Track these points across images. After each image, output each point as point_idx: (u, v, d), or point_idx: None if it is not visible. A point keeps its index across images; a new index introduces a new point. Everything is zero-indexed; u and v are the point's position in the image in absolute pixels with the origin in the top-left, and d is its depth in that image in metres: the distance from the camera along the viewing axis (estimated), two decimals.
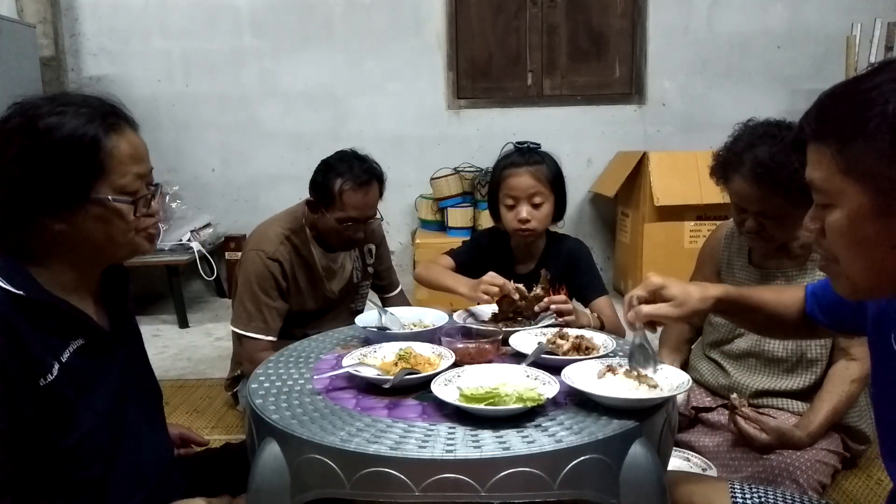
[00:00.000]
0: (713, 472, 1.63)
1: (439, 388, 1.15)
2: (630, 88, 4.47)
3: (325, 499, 1.04)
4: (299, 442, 1.04)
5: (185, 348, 3.54)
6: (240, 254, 2.77)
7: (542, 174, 1.89)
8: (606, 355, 1.35)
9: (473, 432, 1.04)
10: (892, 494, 1.02)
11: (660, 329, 1.24)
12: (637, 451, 1.02)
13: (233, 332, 2.20)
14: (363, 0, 4.32)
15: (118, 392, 1.18)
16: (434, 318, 1.60)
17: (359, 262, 2.39)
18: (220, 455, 1.50)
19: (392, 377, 1.20)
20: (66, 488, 1.10)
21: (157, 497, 1.24)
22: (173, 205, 4.10)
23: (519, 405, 1.07)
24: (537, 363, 1.26)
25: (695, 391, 1.90)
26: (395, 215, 4.42)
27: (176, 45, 4.37)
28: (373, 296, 2.46)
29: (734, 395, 1.61)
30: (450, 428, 1.07)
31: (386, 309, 1.64)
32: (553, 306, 1.62)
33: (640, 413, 1.08)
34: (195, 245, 3.98)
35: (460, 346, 1.36)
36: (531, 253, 2.00)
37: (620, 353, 1.37)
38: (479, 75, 4.48)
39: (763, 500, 1.16)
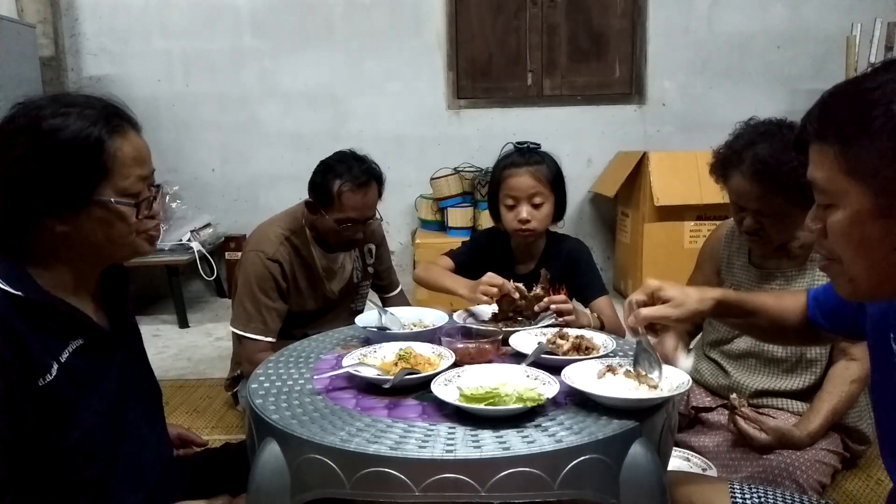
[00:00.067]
0: (713, 472, 1.63)
1: (439, 388, 1.15)
2: (630, 88, 4.47)
3: (325, 499, 1.04)
4: (299, 442, 1.04)
5: (185, 348, 3.54)
6: (240, 254, 2.77)
7: (542, 174, 1.89)
8: (606, 355, 1.35)
9: (473, 432, 1.04)
10: (891, 494, 1.02)
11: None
12: (637, 451, 1.02)
13: (232, 332, 2.20)
14: (363, 0, 4.32)
15: (118, 392, 1.18)
16: (434, 318, 1.60)
17: (359, 263, 2.39)
18: (219, 455, 1.50)
19: (392, 377, 1.20)
20: (66, 488, 1.10)
21: (156, 497, 1.24)
22: (173, 205, 4.10)
23: (519, 405, 1.07)
24: (537, 363, 1.26)
25: (695, 391, 1.90)
26: (395, 215, 4.42)
27: (176, 45, 4.37)
28: (373, 296, 2.46)
29: (734, 395, 1.61)
30: (450, 428, 1.07)
31: (386, 309, 1.64)
32: (553, 306, 1.62)
33: (640, 413, 1.08)
34: (195, 245, 3.98)
35: (460, 346, 1.36)
36: (531, 253, 2.00)
37: (620, 353, 1.37)
38: (479, 75, 4.48)
39: (763, 500, 1.16)
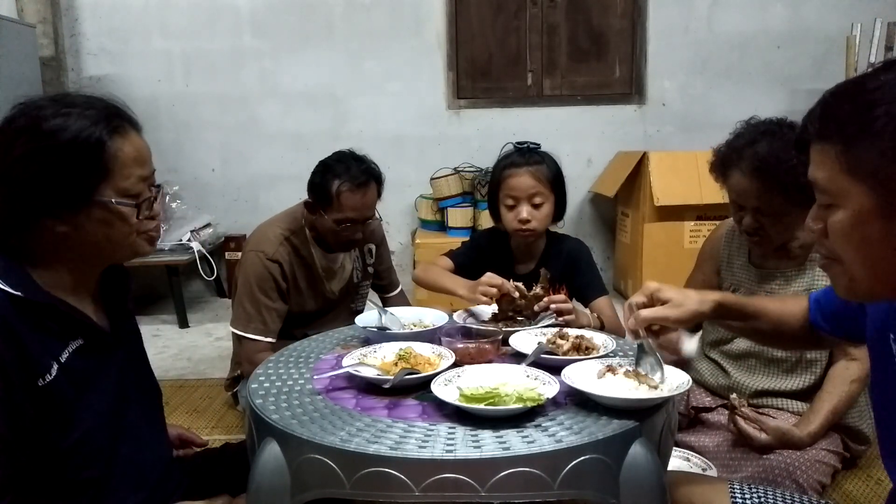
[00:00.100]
0: (713, 472, 1.63)
1: (439, 388, 1.15)
2: (630, 88, 4.47)
3: (325, 499, 1.04)
4: (299, 442, 1.04)
5: (185, 348, 3.54)
6: (240, 254, 2.77)
7: (542, 174, 1.89)
8: (606, 355, 1.35)
9: (473, 432, 1.04)
10: (891, 494, 1.02)
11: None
12: (637, 451, 1.02)
13: (232, 332, 2.20)
14: (363, 0, 4.32)
15: (118, 392, 1.18)
16: (434, 318, 1.60)
17: (359, 262, 2.39)
18: (219, 455, 1.50)
19: (392, 377, 1.20)
20: (66, 488, 1.10)
21: (156, 497, 1.24)
22: (173, 205, 4.10)
23: (519, 405, 1.07)
24: (537, 363, 1.26)
25: (695, 391, 1.90)
26: (395, 215, 4.42)
27: (176, 45, 4.37)
28: (373, 296, 2.46)
29: (734, 395, 1.61)
30: (450, 428, 1.07)
31: (386, 309, 1.64)
32: (553, 306, 1.62)
33: (640, 413, 1.08)
34: (195, 245, 3.98)
35: (460, 346, 1.36)
36: (531, 253, 2.00)
37: (620, 354, 1.37)
38: (479, 75, 4.48)
39: (763, 500, 1.16)
